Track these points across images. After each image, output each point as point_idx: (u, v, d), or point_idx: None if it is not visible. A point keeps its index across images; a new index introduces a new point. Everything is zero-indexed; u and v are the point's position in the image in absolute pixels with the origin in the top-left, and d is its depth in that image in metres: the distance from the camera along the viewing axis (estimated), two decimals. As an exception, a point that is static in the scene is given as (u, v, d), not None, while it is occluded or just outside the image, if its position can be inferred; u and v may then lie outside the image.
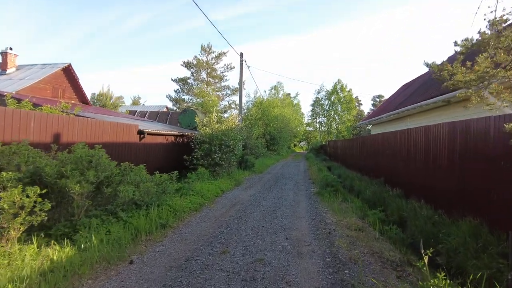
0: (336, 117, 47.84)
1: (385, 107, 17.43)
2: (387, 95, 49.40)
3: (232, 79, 44.85)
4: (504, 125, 3.50)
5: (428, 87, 11.30)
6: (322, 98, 49.84)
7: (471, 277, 3.21)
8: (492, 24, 3.70)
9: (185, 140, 12.67)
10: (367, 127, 33.52)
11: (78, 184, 4.15)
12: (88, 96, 29.91)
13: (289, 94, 53.15)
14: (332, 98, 47.69)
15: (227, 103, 40.47)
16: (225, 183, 10.31)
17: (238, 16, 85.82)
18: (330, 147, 28.50)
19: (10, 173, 3.71)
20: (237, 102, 21.31)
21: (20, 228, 3.54)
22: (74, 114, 9.10)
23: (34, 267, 3.11)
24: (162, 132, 10.96)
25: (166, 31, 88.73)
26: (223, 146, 11.77)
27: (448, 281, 2.80)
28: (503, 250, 3.79)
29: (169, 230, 5.30)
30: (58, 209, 4.61)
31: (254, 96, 36.42)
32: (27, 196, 3.53)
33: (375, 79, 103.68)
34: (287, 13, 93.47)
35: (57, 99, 12.67)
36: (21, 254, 3.39)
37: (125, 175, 5.65)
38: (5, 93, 9.26)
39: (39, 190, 3.63)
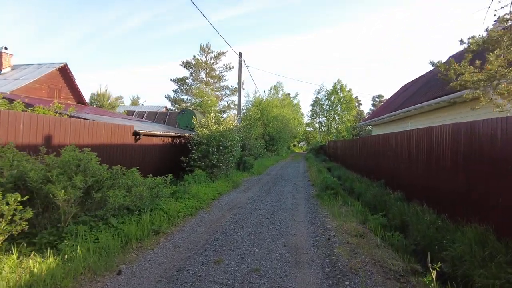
0: (336, 117, 47.63)
1: (385, 108, 17.23)
2: (387, 95, 49.26)
3: (231, 79, 44.76)
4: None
5: (430, 87, 11.10)
6: (322, 98, 49.65)
7: (479, 288, 3.00)
8: (501, 21, 3.50)
9: (183, 141, 12.44)
10: (367, 127, 33.33)
11: (63, 190, 3.93)
12: (88, 96, 29.79)
13: (288, 94, 52.94)
14: (332, 98, 47.49)
15: (226, 103, 40.30)
16: (223, 185, 10.10)
17: (238, 16, 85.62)
18: (329, 148, 28.32)
19: (-10, 178, 3.49)
20: (236, 102, 21.17)
21: (-2, 237, 3.32)
22: (67, 115, 8.88)
23: (11, 282, 2.89)
24: (159, 133, 10.74)
25: (166, 31, 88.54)
26: (220, 147, 11.55)
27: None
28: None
29: (162, 237, 5.08)
30: (45, 215, 4.40)
31: (254, 96, 36.16)
32: (7, 204, 3.32)
33: (375, 79, 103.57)
34: (287, 13, 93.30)
35: (53, 99, 12.45)
36: (-1, 266, 3.18)
37: (117, 179, 5.43)
38: (-3, 94, 9.03)
39: (20, 197, 3.41)
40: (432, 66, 4.24)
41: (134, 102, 56.12)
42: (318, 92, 50.04)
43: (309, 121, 54.27)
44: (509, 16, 3.33)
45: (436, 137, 5.99)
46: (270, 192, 9.92)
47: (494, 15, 3.17)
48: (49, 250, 3.56)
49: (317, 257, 4.33)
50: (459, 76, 3.65)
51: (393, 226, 6.14)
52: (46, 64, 16.62)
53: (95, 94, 29.54)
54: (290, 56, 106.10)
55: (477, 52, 3.46)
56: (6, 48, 16.49)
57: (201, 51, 39.53)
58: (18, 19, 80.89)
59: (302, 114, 56.50)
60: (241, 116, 20.56)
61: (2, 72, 16.29)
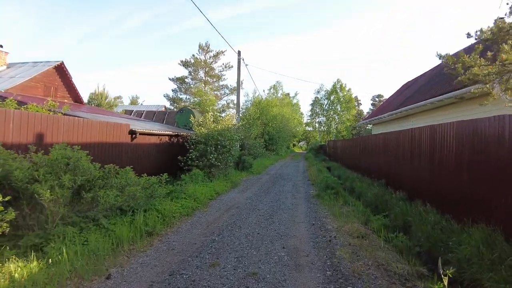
0: (336, 117, 47.41)
1: (386, 106, 17.04)
2: (387, 95, 49.07)
3: (230, 78, 44.34)
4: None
5: (432, 85, 10.91)
6: (321, 97, 49.41)
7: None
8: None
9: (180, 140, 12.23)
10: (367, 127, 33.16)
11: (49, 190, 3.72)
12: (87, 95, 29.54)
13: (288, 93, 52.78)
14: (332, 98, 47.26)
15: (225, 102, 40.06)
16: (221, 185, 9.89)
17: (237, 16, 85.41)
18: (329, 147, 28.13)
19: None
20: (235, 101, 20.98)
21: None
22: (61, 113, 8.67)
23: (-12, 289, 2.69)
24: (155, 132, 10.53)
25: (166, 31, 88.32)
26: (219, 146, 11.35)
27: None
28: (523, 261, 3.41)
29: (155, 238, 4.88)
30: (32, 216, 4.19)
31: (253, 96, 35.97)
32: (-14, 204, 3.11)
33: (375, 79, 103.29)
34: (287, 13, 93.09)
35: (49, 98, 12.21)
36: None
37: (109, 179, 5.23)
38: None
39: (1, 197, 3.20)
40: (439, 59, 4.04)
41: (133, 101, 55.90)
42: (318, 92, 49.84)
43: (308, 120, 54.07)
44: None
45: (439, 135, 5.81)
46: (269, 192, 9.72)
47: (507, 3, 2.98)
48: (32, 254, 3.35)
49: (317, 260, 4.13)
50: (467, 70, 3.44)
51: (396, 227, 5.96)
52: (42, 62, 16.37)
53: (94, 93, 29.30)
54: (290, 56, 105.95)
55: (491, 41, 3.25)
56: (1, 46, 16.25)
57: (200, 50, 39.30)
58: (18, 18, 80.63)
59: (301, 113, 56.39)
60: (240, 115, 20.36)
61: (-2, 70, 16.05)
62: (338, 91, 46.82)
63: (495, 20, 3.65)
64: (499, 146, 4.18)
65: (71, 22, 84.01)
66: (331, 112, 47.73)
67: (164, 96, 41.30)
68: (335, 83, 47.13)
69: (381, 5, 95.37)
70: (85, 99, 25.87)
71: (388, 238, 5.01)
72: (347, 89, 46.99)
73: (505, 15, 3.35)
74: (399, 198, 7.19)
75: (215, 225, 5.79)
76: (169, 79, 39.98)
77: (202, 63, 38.91)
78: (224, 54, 39.86)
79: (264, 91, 54.50)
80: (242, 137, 16.47)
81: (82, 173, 4.40)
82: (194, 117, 13.13)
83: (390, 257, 4.23)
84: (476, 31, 3.81)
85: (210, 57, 39.60)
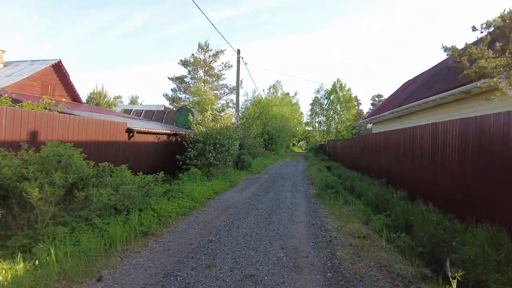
0: (336, 117, 47.28)
1: (386, 105, 16.91)
2: (386, 95, 48.94)
3: (229, 78, 44.06)
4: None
5: (434, 83, 10.78)
6: (321, 97, 49.29)
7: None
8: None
9: (179, 139, 12.09)
10: (368, 126, 33.02)
11: (37, 188, 3.57)
12: (86, 95, 29.37)
13: (288, 93, 52.64)
14: (331, 97, 47.12)
15: (225, 101, 39.91)
16: (219, 184, 9.74)
17: (237, 16, 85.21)
18: (329, 147, 27.99)
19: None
20: (235, 100, 20.78)
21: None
22: (57, 111, 8.53)
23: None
24: (153, 130, 10.38)
25: (166, 31, 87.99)
26: (217, 145, 11.20)
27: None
28: (529, 262, 3.27)
29: (150, 238, 4.73)
30: (22, 216, 4.05)
31: (253, 96, 35.84)
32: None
33: (375, 79, 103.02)
34: (287, 13, 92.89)
35: (45, 96, 12.05)
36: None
37: (104, 177, 5.08)
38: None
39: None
40: (445, 51, 3.90)
41: (133, 101, 55.71)
42: (318, 91, 49.72)
43: (308, 120, 53.95)
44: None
45: (441, 133, 5.68)
46: (268, 191, 9.57)
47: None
48: (19, 255, 3.21)
49: (317, 261, 3.98)
50: (473, 63, 3.30)
51: (397, 226, 5.84)
52: (39, 60, 16.21)
53: (92, 92, 29.14)
54: (290, 56, 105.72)
55: (506, 26, 3.07)
56: (-2, 44, 16.09)
57: (200, 49, 39.13)
58: (18, 18, 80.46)
59: (301, 113, 56.25)
60: (240, 114, 20.21)
61: (-6, 68, 15.89)
62: (338, 90, 46.69)
63: (500, 13, 3.51)
64: (504, 145, 4.05)
65: (71, 22, 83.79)
66: (331, 112, 47.60)
67: (163, 96, 41.27)
68: (335, 82, 47.04)
69: (381, 5, 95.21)
70: (85, 99, 25.77)
71: (390, 238, 4.87)
72: (346, 88, 46.88)
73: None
74: (400, 197, 7.06)
75: (212, 224, 5.65)
76: (169, 78, 39.84)
77: (202, 62, 38.75)
78: (223, 53, 39.76)
79: (263, 90, 54.43)
80: (241, 136, 16.33)
81: (74, 171, 4.26)
82: (193, 116, 12.98)
83: (393, 258, 4.09)
84: (482, 24, 3.67)
85: (209, 56, 39.47)
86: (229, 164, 12.50)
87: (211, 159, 10.76)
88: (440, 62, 13.80)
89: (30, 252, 3.46)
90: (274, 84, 47.81)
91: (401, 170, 7.75)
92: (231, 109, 37.85)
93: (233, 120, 13.71)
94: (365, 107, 66.56)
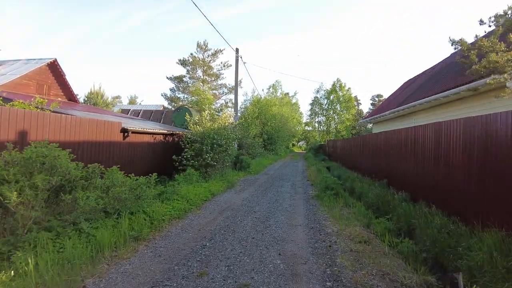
0: (335, 117, 47.05)
1: (387, 105, 16.70)
2: (386, 95, 48.68)
3: (228, 77, 43.80)
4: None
5: (436, 82, 10.57)
6: (321, 97, 49.04)
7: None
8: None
9: (176, 139, 11.86)
10: (368, 126, 32.82)
11: (16, 192, 3.35)
12: (85, 95, 29.07)
13: (287, 93, 52.43)
14: (331, 97, 46.89)
15: (223, 101, 39.64)
16: (217, 185, 9.52)
17: (237, 15, 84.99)
18: (329, 147, 27.79)
19: None
20: (234, 100, 20.43)
21: None
22: (50, 110, 8.30)
23: None
24: (149, 130, 10.15)
25: (166, 31, 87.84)
26: (215, 146, 10.98)
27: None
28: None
29: (141, 244, 4.50)
30: (3, 221, 3.82)
31: (252, 96, 35.66)
32: None
33: (375, 79, 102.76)
34: (287, 13, 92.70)
35: (36, 95, 11.81)
36: None
37: (93, 179, 4.86)
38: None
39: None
40: (452, 45, 3.69)
41: (132, 101, 55.49)
42: (317, 91, 49.46)
43: (308, 120, 53.71)
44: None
45: (445, 133, 5.47)
46: (266, 193, 9.35)
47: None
48: (4, 262, 2.98)
49: (316, 268, 3.76)
50: (482, 58, 3.09)
51: (398, 229, 5.64)
52: (34, 59, 15.96)
53: (90, 92, 28.83)
54: (290, 56, 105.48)
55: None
56: (-8, 43, 15.85)
57: (198, 49, 38.85)
58: (18, 18, 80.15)
59: (301, 113, 56.04)
60: (239, 114, 19.98)
61: (-11, 68, 15.65)
62: (338, 90, 46.46)
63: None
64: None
65: (70, 22, 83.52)
66: (331, 112, 47.36)
67: (162, 95, 40.95)
68: (334, 82, 46.79)
69: (381, 5, 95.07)
70: (83, 99, 25.51)
71: (392, 243, 4.65)
72: (346, 88, 46.65)
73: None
74: (401, 199, 6.86)
75: (207, 228, 5.42)
76: (167, 78, 39.56)
77: (200, 62, 38.47)
78: (222, 53, 39.47)
79: (263, 90, 54.19)
80: (240, 136, 16.10)
81: (60, 173, 4.03)
82: (191, 116, 12.75)
83: (396, 265, 3.87)
84: (490, 17, 3.45)
85: (208, 55, 39.19)
86: (227, 164, 12.28)
87: (208, 159, 10.54)
88: (441, 61, 13.60)
89: (9, 260, 3.24)
90: (273, 84, 47.67)
91: (403, 170, 7.54)
92: (230, 108, 37.58)
93: (232, 120, 13.48)
94: (365, 107, 66.30)
